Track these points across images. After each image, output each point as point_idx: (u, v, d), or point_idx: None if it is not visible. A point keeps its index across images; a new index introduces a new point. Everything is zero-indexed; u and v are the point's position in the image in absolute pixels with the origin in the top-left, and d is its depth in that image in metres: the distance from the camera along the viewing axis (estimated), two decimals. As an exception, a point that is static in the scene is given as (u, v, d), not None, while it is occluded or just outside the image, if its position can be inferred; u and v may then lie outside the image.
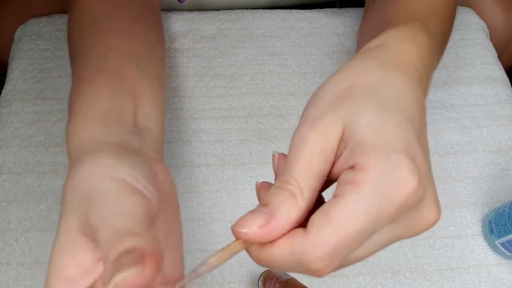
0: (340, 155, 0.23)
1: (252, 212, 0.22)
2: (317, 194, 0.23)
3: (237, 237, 0.22)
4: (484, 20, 0.60)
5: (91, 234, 0.24)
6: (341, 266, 0.23)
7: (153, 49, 0.41)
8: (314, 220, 0.21)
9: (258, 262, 0.23)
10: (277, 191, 0.23)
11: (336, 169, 0.23)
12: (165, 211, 0.28)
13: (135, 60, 0.38)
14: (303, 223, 0.22)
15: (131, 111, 0.33)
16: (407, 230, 0.23)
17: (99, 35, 0.38)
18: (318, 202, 0.25)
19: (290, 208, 0.22)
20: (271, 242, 0.22)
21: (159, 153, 0.35)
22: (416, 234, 0.23)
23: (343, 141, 0.23)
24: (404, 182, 0.21)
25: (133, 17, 0.41)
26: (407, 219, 0.23)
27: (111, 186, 0.25)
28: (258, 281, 0.40)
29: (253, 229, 0.22)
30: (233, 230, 0.22)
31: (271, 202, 0.22)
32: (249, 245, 0.23)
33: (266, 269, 0.41)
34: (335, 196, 0.22)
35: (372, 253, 0.23)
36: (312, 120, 0.24)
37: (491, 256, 0.45)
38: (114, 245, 0.22)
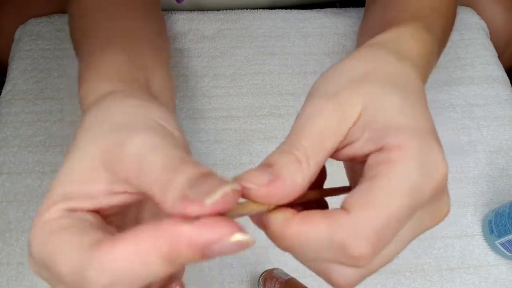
0: (357, 138, 0.22)
1: (255, 169, 0.20)
2: (318, 172, 0.21)
3: (242, 193, 0.20)
4: (485, 20, 0.60)
5: (116, 167, 0.21)
6: (369, 271, 0.21)
7: (159, 36, 0.41)
8: (355, 200, 0.20)
9: (281, 240, 0.20)
10: (283, 154, 0.21)
11: (354, 150, 0.22)
12: None
13: (145, 40, 0.37)
14: (296, 208, 0.21)
15: (144, 82, 0.32)
16: (432, 218, 0.22)
17: (104, 22, 0.37)
18: (321, 205, 0.25)
19: (296, 173, 0.20)
20: (301, 219, 0.20)
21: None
22: (437, 224, 0.23)
23: (360, 123, 0.22)
24: (440, 164, 0.21)
25: (136, 9, 0.41)
26: (434, 205, 0.22)
27: (148, 123, 0.23)
28: (258, 281, 0.40)
29: (256, 186, 0.20)
30: (235, 183, 0.19)
31: (276, 162, 0.21)
32: (271, 214, 0.20)
33: (266, 269, 0.41)
34: (368, 178, 0.20)
35: (401, 249, 0.22)
36: (328, 94, 0.23)
37: (491, 256, 0.45)
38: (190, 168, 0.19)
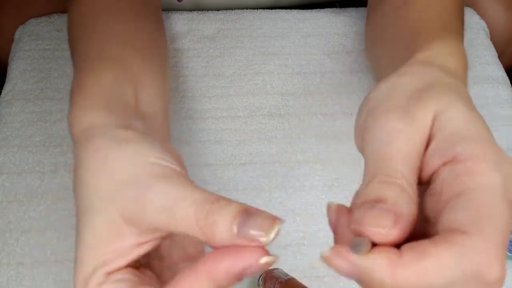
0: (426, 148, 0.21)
1: (371, 210, 0.19)
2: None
3: (371, 238, 0.18)
4: (485, 19, 0.60)
5: (141, 222, 0.22)
6: None
7: (156, 38, 0.41)
8: (465, 218, 0.18)
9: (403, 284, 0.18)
10: (386, 185, 0.20)
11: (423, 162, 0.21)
12: None
13: (138, 47, 0.37)
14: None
15: (133, 98, 0.33)
16: None
17: (100, 25, 0.38)
18: None
19: (409, 203, 0.19)
20: (414, 255, 0.18)
21: (166, 135, 0.34)
22: None
23: (431, 133, 0.21)
24: None
25: (134, 10, 0.41)
26: None
27: (153, 170, 0.24)
28: (258, 281, 0.40)
29: (385, 229, 0.18)
30: (364, 234, 0.18)
31: (386, 196, 0.19)
32: (368, 259, 0.18)
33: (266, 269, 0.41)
34: (457, 194, 0.19)
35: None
36: (396, 111, 0.22)
37: (491, 256, 0.45)
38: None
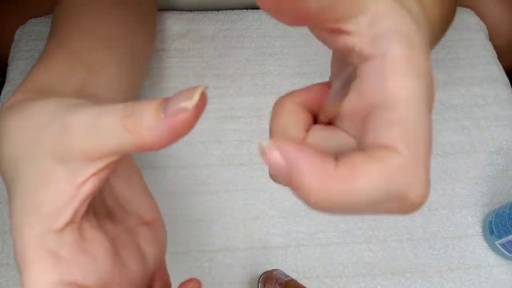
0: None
1: None
2: None
3: None
4: (485, 20, 0.60)
5: (67, 151, 0.21)
6: None
7: (130, 31, 0.40)
8: (396, 134, 0.17)
9: (321, 201, 0.17)
10: None
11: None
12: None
13: (103, 37, 0.37)
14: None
15: (79, 81, 0.32)
16: None
17: (72, 18, 0.37)
18: None
19: None
20: (347, 171, 0.16)
21: None
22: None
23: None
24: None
25: (113, 2, 0.41)
26: None
27: (71, 103, 0.23)
28: (258, 282, 0.40)
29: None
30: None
31: None
32: (304, 166, 0.17)
33: (266, 270, 0.41)
34: (380, 103, 0.17)
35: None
36: None
37: (491, 257, 0.45)
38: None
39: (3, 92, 0.51)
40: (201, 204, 0.46)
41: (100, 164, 0.21)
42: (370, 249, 0.45)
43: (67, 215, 0.21)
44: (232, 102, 0.52)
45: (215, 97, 0.52)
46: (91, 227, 0.23)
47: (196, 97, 0.20)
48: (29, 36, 0.55)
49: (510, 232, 0.42)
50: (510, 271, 0.45)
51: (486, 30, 0.60)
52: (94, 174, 0.21)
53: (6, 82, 0.52)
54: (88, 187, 0.21)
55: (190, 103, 0.19)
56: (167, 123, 0.20)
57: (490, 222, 0.45)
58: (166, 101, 0.20)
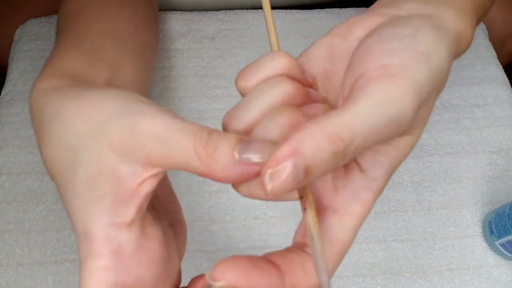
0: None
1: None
2: None
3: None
4: (483, 20, 0.60)
5: (132, 153, 0.21)
6: None
7: (140, 33, 0.41)
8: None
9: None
10: None
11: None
12: None
13: (118, 39, 0.37)
14: None
15: (106, 76, 0.32)
16: None
17: (84, 19, 0.37)
18: None
19: None
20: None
21: None
22: None
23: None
24: None
25: (122, 4, 0.41)
26: None
27: (140, 100, 0.22)
28: (258, 282, 0.40)
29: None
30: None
31: None
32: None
33: None
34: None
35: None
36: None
37: (491, 257, 0.45)
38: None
39: (3, 92, 0.51)
40: (200, 204, 0.46)
41: (160, 169, 0.21)
42: (370, 249, 0.45)
43: (132, 211, 0.21)
44: (232, 102, 0.52)
45: (215, 97, 0.52)
46: (149, 225, 0.23)
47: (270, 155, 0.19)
48: (29, 36, 0.55)
49: (510, 232, 0.42)
50: (510, 271, 0.45)
51: (486, 30, 0.60)
52: (153, 176, 0.21)
53: (6, 82, 0.52)
54: (148, 187, 0.22)
55: (262, 160, 0.19)
56: (241, 169, 0.20)
57: (490, 222, 0.45)
58: (243, 142, 0.20)
